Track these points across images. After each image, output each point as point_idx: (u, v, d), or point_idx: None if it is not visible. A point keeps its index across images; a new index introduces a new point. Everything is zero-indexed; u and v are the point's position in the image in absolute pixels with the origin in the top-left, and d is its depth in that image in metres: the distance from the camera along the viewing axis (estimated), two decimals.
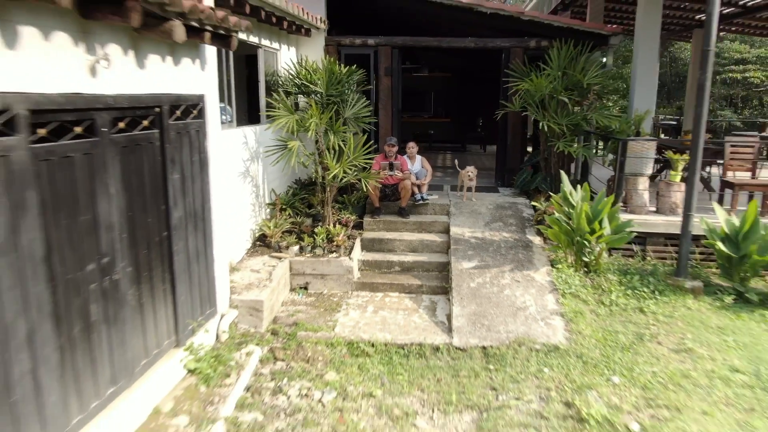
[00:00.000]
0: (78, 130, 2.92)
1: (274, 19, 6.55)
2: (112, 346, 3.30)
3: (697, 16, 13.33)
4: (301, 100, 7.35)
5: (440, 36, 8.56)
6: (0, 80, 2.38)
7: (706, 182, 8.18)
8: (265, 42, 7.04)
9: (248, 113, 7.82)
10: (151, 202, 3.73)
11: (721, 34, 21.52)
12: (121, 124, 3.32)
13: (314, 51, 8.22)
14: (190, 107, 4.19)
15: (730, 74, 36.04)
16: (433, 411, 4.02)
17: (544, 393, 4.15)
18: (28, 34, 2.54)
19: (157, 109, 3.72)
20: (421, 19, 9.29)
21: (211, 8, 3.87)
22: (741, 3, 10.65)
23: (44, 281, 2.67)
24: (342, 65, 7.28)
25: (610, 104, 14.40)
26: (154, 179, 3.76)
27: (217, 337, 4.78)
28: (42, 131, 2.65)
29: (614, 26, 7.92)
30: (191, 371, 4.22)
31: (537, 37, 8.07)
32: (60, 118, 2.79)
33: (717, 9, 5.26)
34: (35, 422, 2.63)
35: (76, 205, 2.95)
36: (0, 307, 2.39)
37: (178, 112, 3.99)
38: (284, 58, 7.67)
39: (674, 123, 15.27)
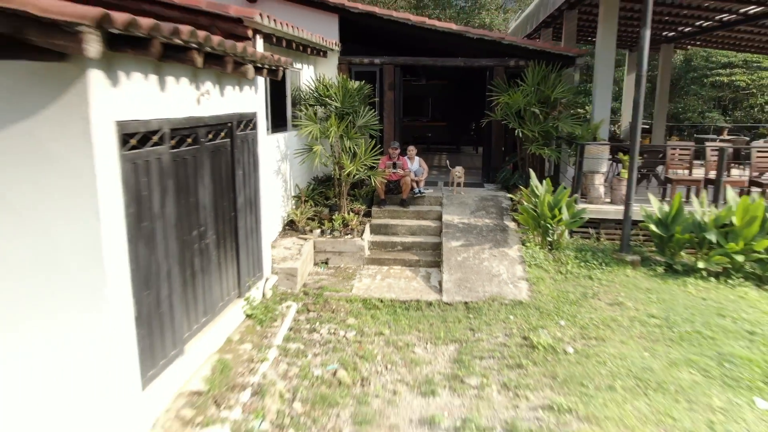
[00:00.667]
0: (189, 140, 4.31)
1: (301, 48, 7.94)
2: (204, 288, 4.70)
3: (664, 33, 14.74)
4: (319, 110, 8.73)
5: (435, 56, 9.96)
6: (157, 111, 3.77)
7: (657, 177, 9.57)
8: (297, 68, 8.44)
9: (276, 122, 9.22)
10: (226, 191, 5.12)
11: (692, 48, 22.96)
12: (210, 136, 4.71)
13: (329, 69, 9.60)
14: (248, 122, 5.57)
15: (718, 77, 37.36)
16: (426, 344, 5.41)
17: (508, 331, 5.54)
18: (170, 81, 3.93)
19: (229, 124, 5.11)
20: (420, 39, 10.67)
21: (271, 54, 5.26)
22: (717, 18, 12.03)
23: (174, 239, 4.06)
24: (353, 80, 8.66)
25: (582, 112, 15.80)
26: (227, 175, 5.15)
27: (264, 294, 6.16)
28: (172, 142, 4.04)
29: (578, 49, 9.32)
30: (248, 316, 5.60)
31: (516, 58, 9.45)
32: (181, 133, 4.18)
33: (647, 41, 6.64)
34: (169, 329, 4.03)
35: (188, 190, 4.34)
36: (156, 251, 3.79)
37: (241, 126, 5.38)
38: (305, 75, 9.05)
39: (647, 127, 16.68)
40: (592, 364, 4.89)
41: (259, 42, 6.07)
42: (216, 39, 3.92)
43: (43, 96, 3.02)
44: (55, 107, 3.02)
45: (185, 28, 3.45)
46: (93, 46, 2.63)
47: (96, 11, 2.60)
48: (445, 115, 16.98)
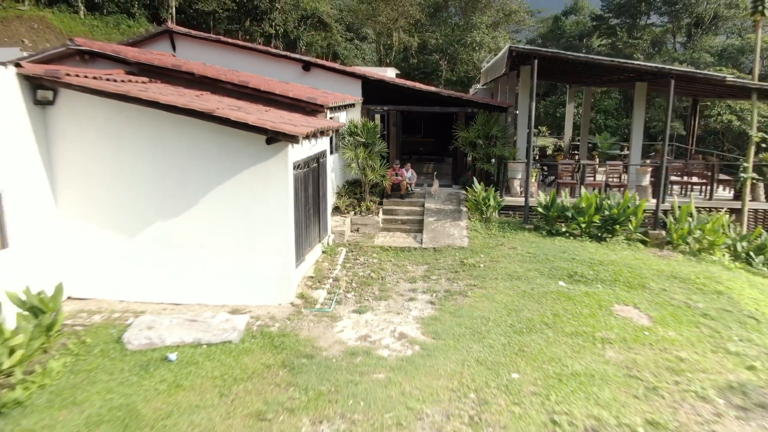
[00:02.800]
0: (306, 166, 9.32)
1: (345, 106, 12.94)
2: (310, 233, 9.72)
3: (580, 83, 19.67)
4: (352, 140, 13.65)
5: (422, 104, 14.91)
6: (301, 154, 8.77)
7: (554, 181, 14.54)
8: (336, 115, 13.44)
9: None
10: (316, 188, 10.14)
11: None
12: (313, 163, 9.72)
13: (356, 113, 14.54)
14: (324, 153, 10.59)
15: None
16: (413, 264, 10.44)
17: (453, 259, 10.57)
18: (305, 141, 8.93)
19: (318, 157, 10.12)
20: (413, 93, 15.61)
21: (337, 124, 10.29)
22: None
23: (302, 210, 9.09)
24: (371, 121, 13.62)
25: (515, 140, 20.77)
26: (316, 181, 10.16)
27: (328, 243, 11.18)
28: (302, 166, 9.06)
29: (508, 102, 14.30)
30: (324, 252, 10.63)
31: (472, 107, 14.40)
32: (305, 162, 9.20)
33: (534, 110, 11.61)
34: (300, 248, 9.05)
35: (306, 188, 9.36)
36: (298, 214, 8.80)
37: (322, 156, 10.41)
38: (342, 118, 14.03)
39: (576, 144, 21.63)
40: (491, 271, 9.91)
41: (327, 112, 11.08)
42: (324, 124, 8.93)
43: (271, 152, 8.01)
44: (274, 158, 8.02)
45: (325, 125, 8.47)
46: (302, 141, 7.65)
47: (306, 131, 7.62)
48: (432, 134, 21.94)
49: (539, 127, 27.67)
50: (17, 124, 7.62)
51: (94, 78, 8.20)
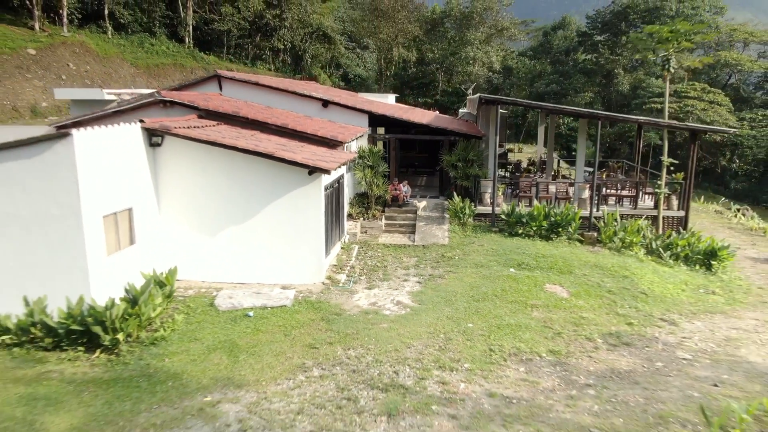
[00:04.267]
0: (332, 187, 12.97)
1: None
2: (333, 234, 13.29)
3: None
4: (360, 162, 17.27)
5: (416, 132, 18.52)
6: (330, 180, 12.42)
7: (518, 194, 18.15)
8: (349, 143, 17.08)
9: None
10: (338, 201, 13.73)
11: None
12: (335, 184, 13.35)
13: (364, 140, 18.09)
14: (342, 175, 14.22)
15: (652, 105, 46.32)
16: (407, 256, 14.03)
17: (436, 253, 14.17)
18: (335, 171, 12.59)
19: (339, 179, 13.77)
20: (409, 123, 19.27)
21: (352, 155, 13.96)
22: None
23: (330, 216, 12.71)
24: (376, 146, 17.24)
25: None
26: (338, 196, 13.76)
27: (344, 241, 14.81)
28: (330, 187, 12.71)
29: (482, 131, 17.91)
30: (342, 248, 14.25)
31: (454, 135, 17.98)
32: (329, 185, 12.84)
33: (497, 141, 15.22)
34: (327, 244, 12.64)
35: (332, 203, 12.95)
36: (327, 221, 12.41)
37: (341, 178, 14.05)
38: (354, 145, 17.62)
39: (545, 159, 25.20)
40: (462, 261, 13.54)
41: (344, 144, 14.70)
42: (345, 157, 12.59)
43: (310, 179, 11.59)
44: (310, 183, 11.64)
45: (345, 158, 12.13)
46: (330, 172, 11.30)
47: (334, 165, 11.26)
48: (426, 150, 25.54)
49: (517, 143, 31.45)
50: (139, 160, 11.25)
51: (188, 128, 11.85)
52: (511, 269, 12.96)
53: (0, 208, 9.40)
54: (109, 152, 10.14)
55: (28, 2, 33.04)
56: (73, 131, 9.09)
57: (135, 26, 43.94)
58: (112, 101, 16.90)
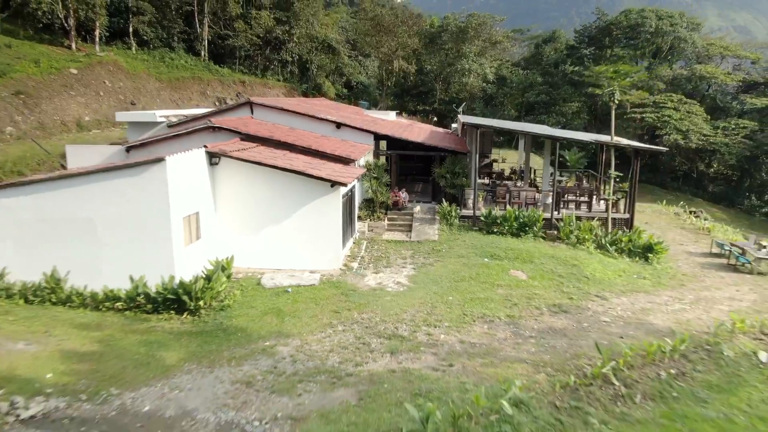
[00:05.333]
0: (348, 194, 16.62)
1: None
2: (348, 231, 16.92)
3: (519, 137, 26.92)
4: (367, 174, 20.89)
5: (413, 149, 22.16)
6: (345, 190, 16.04)
7: (496, 200, 21.79)
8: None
9: None
10: (351, 206, 17.31)
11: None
12: (349, 192, 16.99)
13: (370, 155, 21.71)
14: (354, 185, 17.85)
15: (632, 114, 50.01)
16: (405, 249, 17.61)
17: (428, 247, 17.75)
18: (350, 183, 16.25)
19: (352, 187, 17.40)
20: (408, 141, 22.92)
21: (362, 171, 17.64)
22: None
23: (347, 217, 16.36)
24: (379, 160, 20.87)
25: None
26: (351, 202, 17.31)
27: (356, 238, 18.43)
28: (347, 194, 16.36)
29: (468, 148, 21.53)
30: (354, 243, 17.86)
31: (444, 152, 21.60)
32: (345, 194, 16.48)
33: (477, 158, 18.86)
34: (343, 239, 16.27)
35: (346, 208, 16.48)
36: (343, 221, 16.05)
37: (353, 188, 17.68)
38: (362, 160, 21.25)
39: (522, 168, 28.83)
40: (448, 253, 17.12)
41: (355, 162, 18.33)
42: (358, 172, 16.23)
43: (332, 190, 15.16)
44: (332, 193, 15.24)
45: (358, 173, 15.78)
46: (347, 185, 14.94)
47: (350, 180, 14.89)
48: (422, 161, 29.13)
49: (509, 149, 35.07)
50: (203, 175, 14.88)
51: (238, 150, 15.49)
52: (485, 259, 16.60)
53: (112, 212, 13.03)
54: (185, 170, 13.79)
55: (66, 24, 36.64)
56: (167, 157, 12.75)
57: (156, 42, 47.56)
58: (161, 122, 20.60)
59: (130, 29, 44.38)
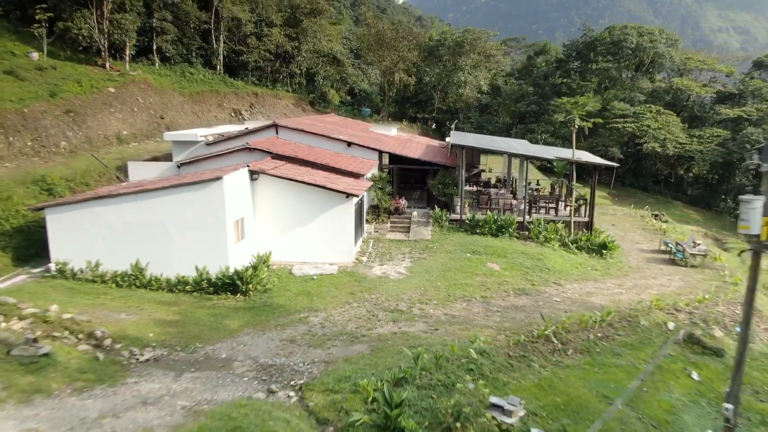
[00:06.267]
0: (357, 204, 20.69)
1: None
2: (359, 232, 21.01)
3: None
4: (373, 185, 24.92)
5: (411, 164, 26.17)
6: (356, 199, 20.12)
7: (481, 205, 25.80)
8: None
9: None
10: (361, 211, 21.27)
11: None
12: (359, 202, 21.06)
13: (375, 169, 25.76)
14: (364, 194, 21.92)
15: (615, 123, 54.05)
16: (405, 247, 21.71)
17: (422, 245, 21.71)
18: (361, 195, 20.32)
19: (361, 195, 21.45)
20: (406, 158, 26.94)
21: (368, 183, 21.72)
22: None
23: (357, 220, 20.41)
24: (383, 171, 24.93)
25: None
26: (361, 208, 21.23)
27: (364, 237, 22.47)
28: (356, 204, 20.42)
29: (457, 163, 25.56)
30: (363, 241, 21.87)
31: (437, 166, 25.57)
32: (356, 202, 20.53)
33: (463, 174, 22.89)
34: (355, 237, 20.29)
35: (357, 213, 20.61)
36: (354, 223, 20.11)
37: (363, 197, 21.74)
38: (368, 175, 25.26)
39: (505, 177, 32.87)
40: (438, 249, 21.05)
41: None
42: (366, 185, 20.28)
43: (346, 200, 19.12)
44: (346, 202, 19.22)
45: (367, 186, 19.84)
46: (359, 195, 19.01)
47: (361, 192, 19.00)
48: (420, 170, 33.22)
49: (486, 163, 39.61)
50: (246, 188, 18.90)
51: (273, 168, 19.54)
52: (468, 254, 20.63)
53: (181, 217, 17.03)
54: (235, 185, 17.83)
55: (101, 46, 40.72)
56: (224, 176, 16.81)
57: (177, 58, 51.61)
58: (200, 141, 24.65)
59: (154, 47, 48.39)
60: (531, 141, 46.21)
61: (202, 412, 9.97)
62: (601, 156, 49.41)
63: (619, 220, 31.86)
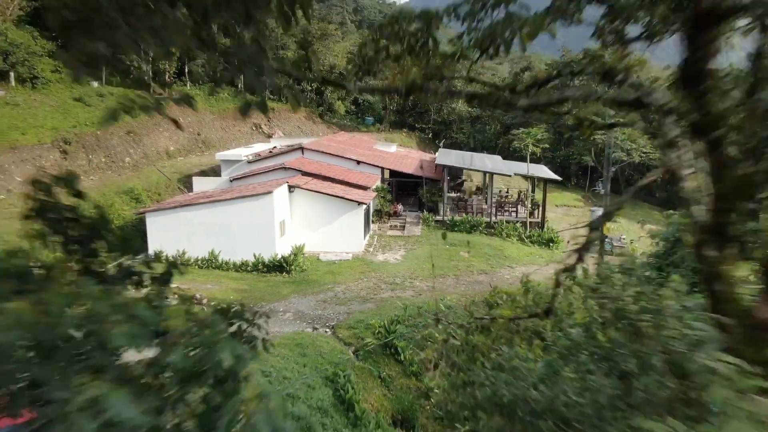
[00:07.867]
0: (366, 209, 27.71)
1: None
2: (366, 230, 27.92)
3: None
4: (376, 194, 31.88)
5: (407, 177, 33.21)
6: (365, 205, 27.18)
7: (465, 209, 32.76)
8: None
9: None
10: (368, 214, 28.45)
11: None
12: (367, 207, 28.08)
13: (378, 181, 32.72)
14: (370, 204, 28.95)
15: (593, 136, 60.61)
16: (401, 241, 28.70)
17: (414, 239, 28.82)
18: (369, 203, 27.32)
19: (368, 202, 28.48)
20: (402, 173, 33.92)
21: (374, 194, 28.80)
22: None
23: (365, 222, 27.57)
24: (385, 185, 31.90)
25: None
26: (368, 212, 28.40)
27: (370, 234, 29.45)
28: (365, 209, 27.53)
29: (442, 176, 32.53)
30: (369, 237, 28.98)
31: (427, 179, 32.55)
32: (366, 207, 27.64)
33: (447, 186, 29.88)
34: (365, 232, 27.56)
35: (365, 216, 27.73)
36: (364, 222, 27.31)
37: (370, 203, 28.79)
38: (373, 186, 32.19)
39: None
40: (426, 243, 28.02)
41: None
42: (372, 195, 27.30)
43: (359, 206, 26.16)
44: (358, 208, 26.25)
45: (372, 196, 26.88)
46: (367, 203, 26.05)
47: (367, 200, 26.04)
48: (413, 182, 40.23)
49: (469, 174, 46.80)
50: (285, 198, 25.90)
51: (304, 183, 26.57)
52: (447, 246, 27.66)
53: (242, 220, 24.04)
54: (279, 196, 24.89)
55: (148, 74, 47.77)
56: (274, 190, 23.89)
57: (204, 78, 58.63)
58: (243, 159, 31.73)
59: (186, 70, 55.44)
60: (515, 150, 53.06)
61: (276, 337, 16.97)
62: (576, 163, 56.22)
63: (580, 219, 38.81)
